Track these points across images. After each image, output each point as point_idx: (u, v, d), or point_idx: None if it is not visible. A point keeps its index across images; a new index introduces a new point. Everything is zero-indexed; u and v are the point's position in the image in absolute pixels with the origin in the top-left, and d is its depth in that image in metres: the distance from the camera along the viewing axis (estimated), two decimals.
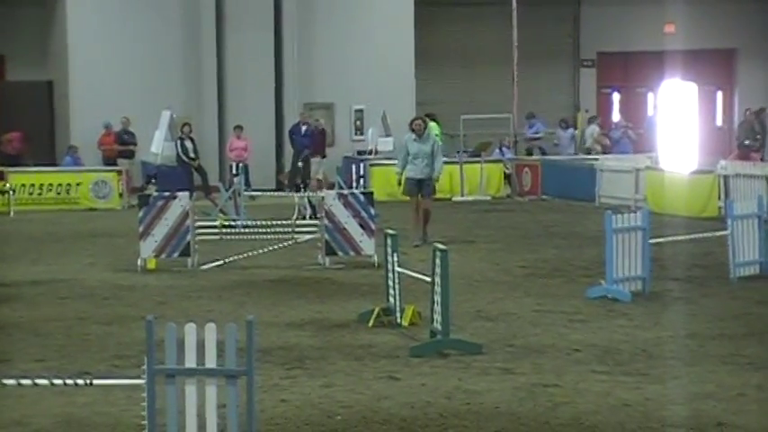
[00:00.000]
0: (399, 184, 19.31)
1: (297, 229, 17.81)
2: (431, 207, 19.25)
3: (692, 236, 16.73)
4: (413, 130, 19.10)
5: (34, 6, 32.03)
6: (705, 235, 16.40)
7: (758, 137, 29.05)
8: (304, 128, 29.99)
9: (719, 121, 39.32)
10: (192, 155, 28.02)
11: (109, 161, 29.65)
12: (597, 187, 26.76)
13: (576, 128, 35.18)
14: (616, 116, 37.37)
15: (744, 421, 8.49)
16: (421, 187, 18.97)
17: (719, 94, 39.33)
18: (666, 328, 12.15)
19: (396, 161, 20.47)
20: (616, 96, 39.09)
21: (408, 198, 19.35)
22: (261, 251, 17.49)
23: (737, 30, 37.75)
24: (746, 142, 28.84)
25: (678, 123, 37.58)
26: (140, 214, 16.84)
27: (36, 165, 29.10)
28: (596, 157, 30.13)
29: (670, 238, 16.23)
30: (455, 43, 36.78)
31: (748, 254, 15.15)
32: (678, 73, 37.27)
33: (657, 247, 15.29)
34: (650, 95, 38.79)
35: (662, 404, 9.02)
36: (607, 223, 13.85)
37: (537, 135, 33.04)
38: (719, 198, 22.76)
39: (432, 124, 30.68)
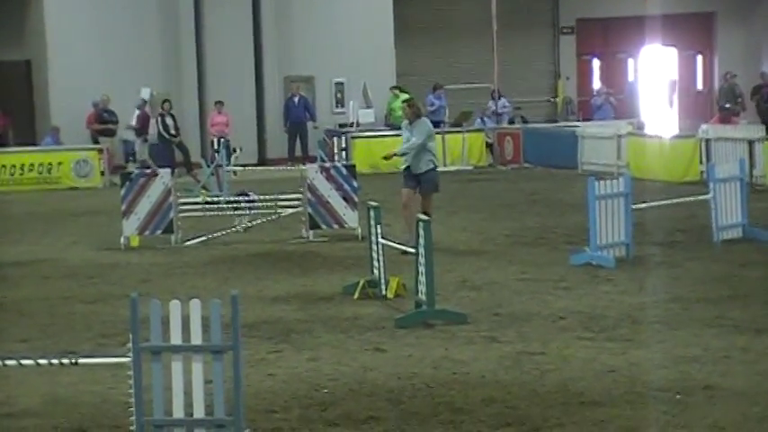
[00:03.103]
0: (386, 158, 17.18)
1: (280, 204, 17.77)
2: (430, 208, 15.42)
3: (675, 200, 16.76)
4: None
5: None
6: (687, 199, 16.43)
7: (739, 100, 29.07)
8: (296, 99, 30.13)
9: (700, 85, 39.36)
10: (172, 131, 27.94)
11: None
12: (579, 154, 26.76)
13: (556, 97, 35.07)
14: (596, 83, 37.38)
15: (730, 383, 8.52)
16: (418, 182, 15.81)
17: (699, 59, 39.35)
18: (650, 292, 12.19)
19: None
20: (596, 63, 39.06)
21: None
22: (244, 226, 17.46)
23: None
24: (727, 105, 28.86)
25: (659, 88, 37.62)
26: (123, 192, 16.80)
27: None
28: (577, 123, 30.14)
29: (653, 204, 16.26)
30: (434, 13, 36.66)
31: (731, 217, 15.19)
32: (658, 38, 37.25)
33: (640, 212, 15.31)
34: (630, 61, 38.78)
35: (648, 369, 9.05)
36: (589, 190, 13.87)
37: (432, 109, 32.18)
38: (701, 162, 22.80)
39: (403, 96, 30.59)
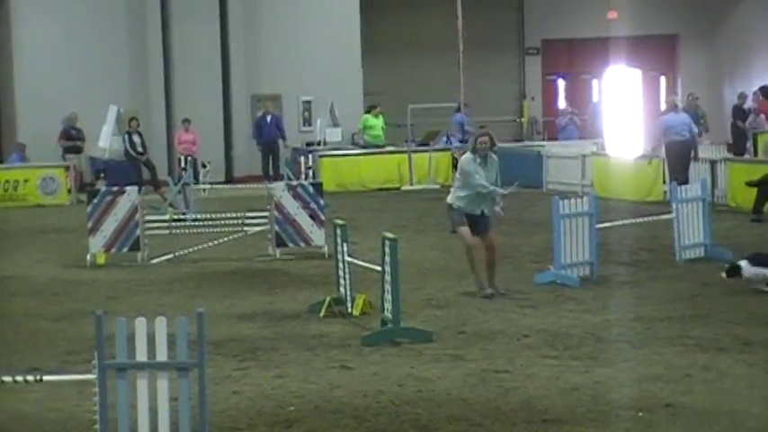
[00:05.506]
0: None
1: (246, 221, 17.75)
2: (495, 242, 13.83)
3: (639, 220, 16.84)
4: (475, 150, 13.61)
5: None
6: (651, 219, 16.53)
7: (702, 121, 29.28)
8: (269, 118, 30.08)
9: (663, 107, 39.59)
10: (140, 149, 27.86)
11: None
12: (544, 174, 26.87)
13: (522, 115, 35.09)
14: (562, 103, 37.57)
15: (691, 401, 8.56)
16: (479, 223, 13.62)
17: (663, 80, 39.63)
18: (614, 311, 12.23)
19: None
20: (561, 83, 39.28)
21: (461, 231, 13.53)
22: (211, 244, 17.42)
23: (679, 15, 38.05)
24: None
25: (623, 109, 37.83)
26: (89, 209, 16.73)
27: None
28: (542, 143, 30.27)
29: (617, 223, 16.33)
30: (401, 33, 36.77)
31: (693, 237, 15.28)
32: (622, 59, 37.50)
33: (604, 231, 15.38)
34: (595, 82, 39.02)
35: (611, 387, 9.08)
36: (554, 209, 13.93)
37: (468, 128, 32.46)
38: (665, 182, 22.91)
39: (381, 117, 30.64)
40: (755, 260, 13.05)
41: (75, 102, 29.55)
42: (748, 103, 30.84)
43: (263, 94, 31.97)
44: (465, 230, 13.49)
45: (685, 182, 20.15)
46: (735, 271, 13.05)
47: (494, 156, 13.90)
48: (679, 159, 20.77)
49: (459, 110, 31.58)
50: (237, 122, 31.85)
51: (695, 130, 21.44)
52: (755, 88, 31.34)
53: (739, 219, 19.60)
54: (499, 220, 20.32)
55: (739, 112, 30.49)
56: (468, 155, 13.72)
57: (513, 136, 36.71)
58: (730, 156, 25.13)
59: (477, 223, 13.57)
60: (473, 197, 13.53)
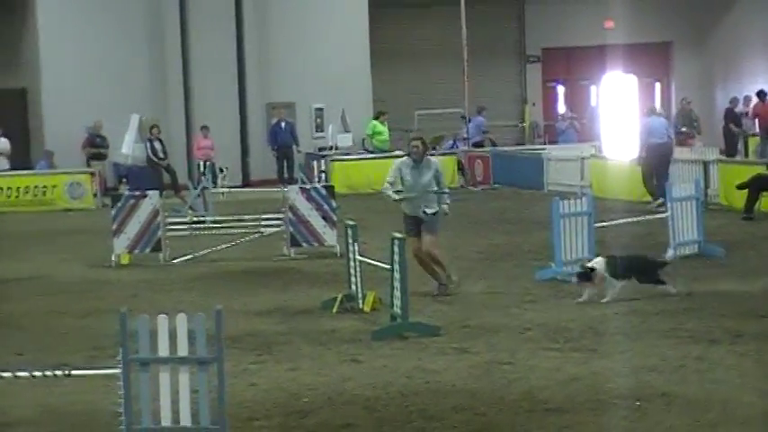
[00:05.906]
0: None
1: (262, 223, 17.77)
2: (434, 246, 13.31)
3: (635, 219, 16.82)
4: (408, 154, 13.29)
5: (5, 15, 31.70)
6: (646, 218, 16.50)
7: (695, 124, 29.30)
8: (283, 124, 30.11)
9: (658, 110, 39.51)
10: (161, 155, 27.91)
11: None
12: (545, 175, 26.85)
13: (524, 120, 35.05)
14: (561, 108, 37.55)
15: (685, 391, 8.56)
16: (420, 225, 13.23)
17: (657, 85, 39.58)
18: (612, 305, 12.21)
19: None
20: (561, 89, 39.25)
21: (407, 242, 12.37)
22: (229, 244, 17.44)
23: (672, 23, 38.01)
24: (683, 129, 29.05)
25: (619, 113, 37.81)
26: (113, 213, 16.78)
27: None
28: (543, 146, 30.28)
29: (614, 222, 16.32)
30: (408, 42, 36.78)
31: (687, 234, 15.26)
32: (618, 66, 37.48)
33: (602, 230, 15.36)
34: (593, 88, 38.99)
35: (609, 377, 9.08)
36: (554, 209, 13.92)
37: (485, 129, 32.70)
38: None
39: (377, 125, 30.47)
40: (612, 265, 12.42)
41: (98, 111, 29.60)
42: (739, 107, 30.82)
43: (277, 102, 32.02)
44: (409, 242, 12.68)
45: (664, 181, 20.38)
46: (585, 278, 12.45)
47: (431, 159, 13.44)
48: (661, 160, 21.05)
49: (478, 113, 31.68)
50: (253, 129, 31.88)
51: (672, 133, 21.79)
52: (746, 92, 31.34)
53: (731, 217, 19.57)
54: (502, 219, 20.33)
55: (731, 116, 30.47)
56: (404, 158, 13.46)
57: (515, 140, 36.74)
58: (722, 157, 25.08)
59: (419, 225, 13.21)
60: (408, 198, 13.19)
